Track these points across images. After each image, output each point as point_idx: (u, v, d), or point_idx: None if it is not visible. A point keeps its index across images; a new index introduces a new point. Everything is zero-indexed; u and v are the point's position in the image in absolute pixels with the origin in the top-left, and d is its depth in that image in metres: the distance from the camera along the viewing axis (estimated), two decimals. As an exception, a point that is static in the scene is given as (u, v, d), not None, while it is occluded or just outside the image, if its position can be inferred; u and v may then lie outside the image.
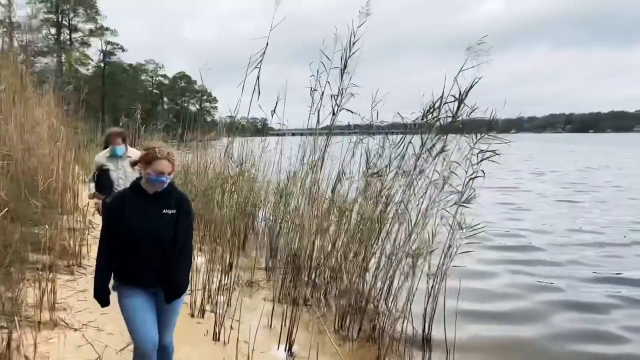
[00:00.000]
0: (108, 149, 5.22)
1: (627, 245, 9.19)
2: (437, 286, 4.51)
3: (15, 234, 5.20)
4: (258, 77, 5.81)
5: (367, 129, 5.77)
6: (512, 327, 5.41)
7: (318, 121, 5.75)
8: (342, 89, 5.29)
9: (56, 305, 4.38)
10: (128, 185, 5.02)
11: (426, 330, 4.59)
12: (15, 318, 3.52)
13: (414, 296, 4.52)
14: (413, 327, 4.58)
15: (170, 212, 2.82)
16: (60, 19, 53.89)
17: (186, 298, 4.84)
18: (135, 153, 5.27)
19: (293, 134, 9.19)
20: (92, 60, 58.73)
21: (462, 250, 4.54)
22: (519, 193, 16.95)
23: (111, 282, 2.92)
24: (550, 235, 10.09)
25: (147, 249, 2.77)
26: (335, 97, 5.33)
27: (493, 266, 7.68)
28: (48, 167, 8.17)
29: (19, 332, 3.49)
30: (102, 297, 2.87)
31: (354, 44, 5.12)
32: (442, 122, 4.78)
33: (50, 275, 4.48)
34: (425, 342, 4.60)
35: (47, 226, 5.96)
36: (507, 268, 7.62)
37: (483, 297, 6.24)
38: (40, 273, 4.50)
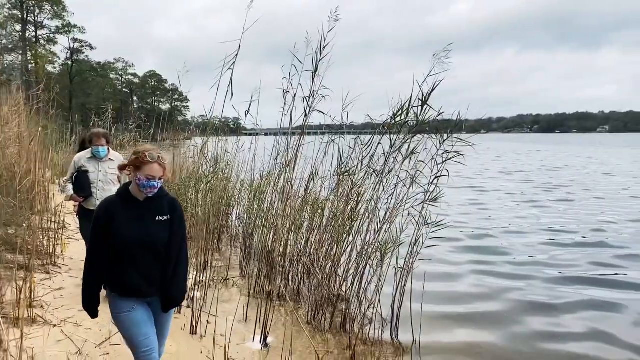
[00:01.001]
0: (88, 150, 5.12)
1: (593, 245, 9.34)
2: (404, 278, 4.76)
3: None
4: (231, 80, 5.96)
5: (339, 130, 5.99)
6: (477, 329, 5.41)
7: (291, 121, 5.94)
8: (313, 90, 5.48)
9: (33, 302, 4.45)
10: (106, 187, 4.98)
11: (394, 321, 4.83)
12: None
13: (382, 287, 4.76)
14: (382, 318, 4.83)
15: (164, 218, 2.74)
16: (25, 16, 52.46)
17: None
18: (117, 156, 5.23)
19: (266, 134, 9.33)
20: (59, 58, 57.54)
21: (428, 245, 4.80)
22: (487, 193, 17.37)
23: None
24: (517, 234, 10.28)
25: (141, 257, 2.68)
26: (307, 98, 5.53)
27: (460, 267, 7.77)
28: (20, 167, 8.11)
29: (6, 328, 3.56)
30: (91, 309, 2.78)
31: (324, 47, 5.33)
32: (409, 124, 5.03)
33: (27, 274, 4.54)
34: (393, 331, 4.84)
35: (24, 225, 5.97)
36: (474, 268, 7.71)
37: (450, 298, 6.30)
38: (17, 272, 4.56)
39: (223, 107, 6.23)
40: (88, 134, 5.34)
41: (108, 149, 5.13)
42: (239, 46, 5.71)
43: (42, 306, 4.58)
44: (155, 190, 2.71)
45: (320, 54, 5.44)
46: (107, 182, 5.05)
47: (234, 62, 5.91)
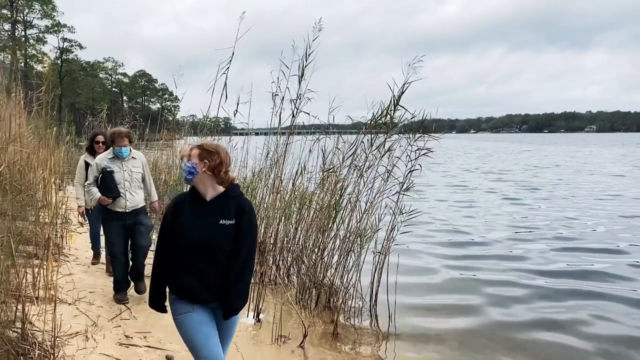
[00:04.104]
0: (109, 150, 5.00)
1: (574, 242, 9.40)
2: (381, 261, 5.34)
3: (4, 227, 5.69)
4: (225, 84, 6.49)
5: (326, 130, 6.54)
6: (449, 319, 5.60)
7: (280, 122, 6.48)
8: (299, 94, 6.03)
9: (48, 285, 4.94)
10: (133, 187, 5.01)
11: (373, 298, 5.41)
12: (22, 293, 4.09)
13: (361, 268, 5.35)
14: (362, 296, 5.42)
15: (227, 222, 2.53)
16: (14, 15, 52.44)
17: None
18: (139, 154, 5.18)
19: (257, 134, 9.85)
20: (49, 57, 57.52)
21: (403, 232, 5.38)
22: (473, 191, 17.67)
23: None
24: (500, 232, 10.32)
25: (199, 261, 2.53)
26: (294, 101, 6.08)
27: (438, 263, 7.89)
28: (22, 165, 8.55)
29: (28, 306, 4.06)
30: (158, 305, 2.70)
31: (309, 54, 5.87)
32: (387, 125, 5.62)
33: (42, 262, 5.03)
34: (372, 308, 5.42)
35: (34, 219, 6.45)
36: (451, 264, 7.80)
37: (426, 290, 6.49)
38: (33, 260, 5.06)
39: (218, 108, 6.76)
40: (109, 133, 5.16)
41: (130, 148, 5.00)
42: (232, 53, 6.24)
43: (55, 288, 5.07)
44: (188, 176, 2.55)
45: (306, 60, 5.98)
46: (133, 181, 4.97)
47: (228, 68, 6.44)
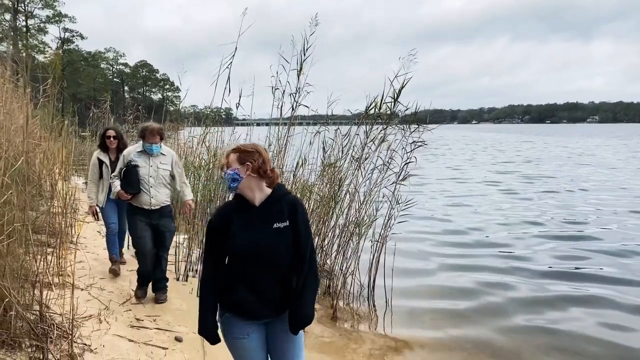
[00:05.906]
0: (139, 144, 4.80)
1: (577, 238, 9.23)
2: (379, 250, 5.59)
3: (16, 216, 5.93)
4: (229, 78, 6.67)
5: (326, 121, 6.75)
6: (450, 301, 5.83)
7: (280, 115, 6.69)
8: (298, 87, 6.23)
9: (64, 271, 5.19)
10: (159, 184, 4.75)
11: (370, 285, 5.67)
12: (38, 279, 4.34)
13: (360, 255, 5.59)
14: (360, 283, 5.67)
15: (282, 225, 2.31)
16: (15, 5, 52.44)
17: (170, 266, 5.74)
18: (169, 151, 4.95)
19: (258, 124, 10.06)
20: (50, 47, 57.60)
21: (399, 221, 5.62)
22: (475, 185, 17.62)
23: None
24: (500, 227, 10.26)
25: (256, 273, 2.29)
26: (294, 95, 6.28)
27: (436, 263, 7.69)
28: (29, 156, 8.77)
29: (45, 292, 4.31)
30: (209, 333, 2.36)
31: (307, 49, 6.06)
32: (383, 117, 5.84)
33: (54, 250, 5.27)
34: (370, 295, 5.68)
35: (44, 209, 6.68)
36: (450, 263, 7.66)
37: (424, 291, 6.37)
38: (45, 248, 5.29)
39: (222, 101, 6.95)
40: (140, 128, 4.92)
41: (160, 145, 4.78)
42: (235, 48, 6.42)
43: (68, 275, 5.32)
44: (232, 184, 2.34)
45: (304, 54, 6.17)
46: (158, 178, 4.73)
47: (231, 62, 6.62)
